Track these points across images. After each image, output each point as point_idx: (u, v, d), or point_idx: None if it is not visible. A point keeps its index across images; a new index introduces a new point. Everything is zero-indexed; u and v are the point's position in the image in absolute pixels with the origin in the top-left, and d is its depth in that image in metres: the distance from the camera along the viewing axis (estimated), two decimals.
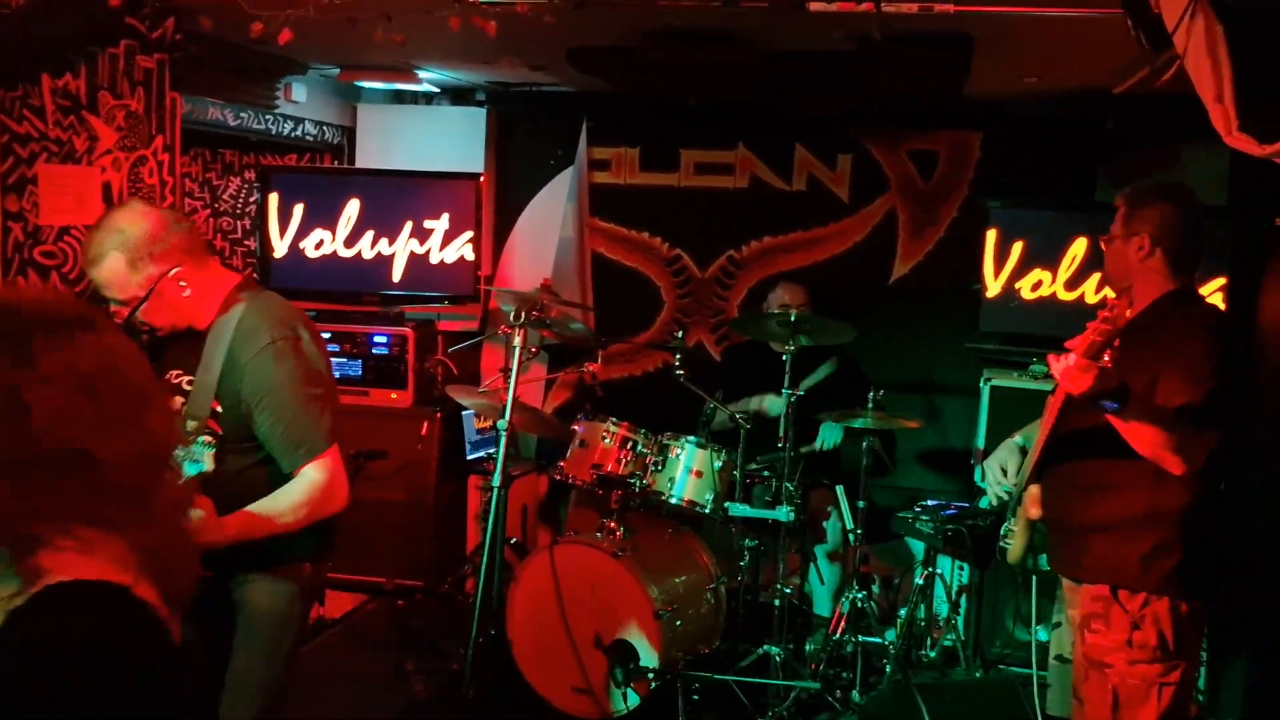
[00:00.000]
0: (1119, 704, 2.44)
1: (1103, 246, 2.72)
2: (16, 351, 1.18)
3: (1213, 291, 4.37)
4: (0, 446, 1.17)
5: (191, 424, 2.36)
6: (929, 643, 4.47)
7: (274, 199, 4.86)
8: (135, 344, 1.32)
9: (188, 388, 2.44)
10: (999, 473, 2.82)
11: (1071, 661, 2.71)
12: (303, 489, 2.40)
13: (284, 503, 2.39)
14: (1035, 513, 2.70)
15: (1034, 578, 4.31)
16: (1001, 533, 2.96)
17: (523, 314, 3.64)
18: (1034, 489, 2.72)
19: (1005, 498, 2.86)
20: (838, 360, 4.69)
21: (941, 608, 4.55)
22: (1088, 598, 2.52)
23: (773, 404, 4.54)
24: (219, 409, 2.37)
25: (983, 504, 4.55)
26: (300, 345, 2.45)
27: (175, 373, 2.49)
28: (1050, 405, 2.59)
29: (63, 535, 1.18)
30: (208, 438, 2.38)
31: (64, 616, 1.15)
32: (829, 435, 4.62)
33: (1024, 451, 2.80)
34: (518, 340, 3.61)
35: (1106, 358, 2.19)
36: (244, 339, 2.39)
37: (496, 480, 3.49)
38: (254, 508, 2.36)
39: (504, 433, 3.53)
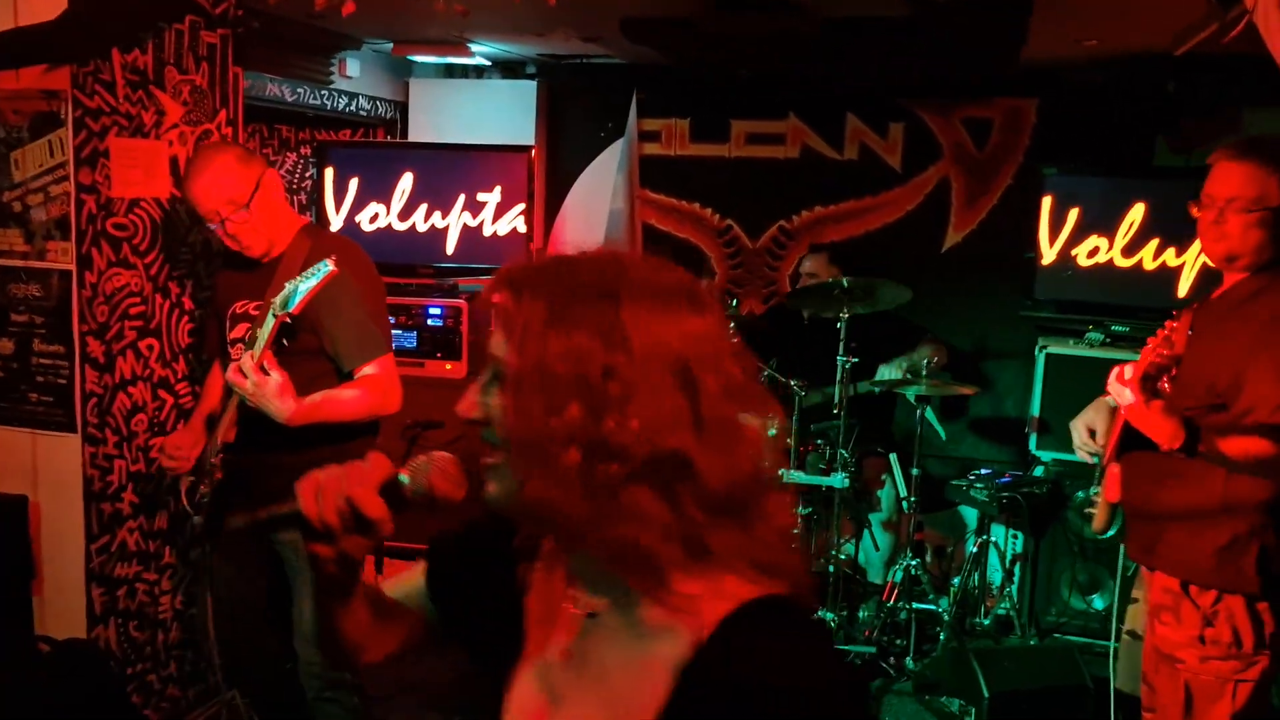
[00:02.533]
0: (1191, 699, 2.33)
1: (1194, 214, 2.45)
2: (612, 327, 1.01)
3: None
4: (592, 441, 1.01)
5: (261, 337, 2.62)
6: (983, 610, 4.47)
7: (330, 173, 4.93)
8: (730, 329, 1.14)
9: (255, 313, 2.73)
10: (1085, 434, 2.63)
11: (1141, 638, 2.63)
12: (364, 383, 2.76)
13: (347, 392, 2.75)
14: (1113, 496, 2.55)
15: (1089, 546, 4.32)
16: (1086, 498, 2.86)
17: None
18: (1113, 468, 2.57)
19: (1092, 460, 2.69)
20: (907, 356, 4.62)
21: (995, 576, 4.55)
22: (1158, 588, 2.42)
23: (886, 370, 4.51)
24: (287, 321, 2.60)
25: (1037, 472, 4.54)
26: (369, 271, 2.86)
27: (241, 302, 2.83)
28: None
29: (683, 560, 1.04)
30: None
31: (788, 627, 1.03)
32: (886, 371, 4.57)
33: (1114, 412, 2.61)
34: None
35: (1165, 384, 2.10)
36: (317, 257, 2.63)
37: None
38: (321, 393, 2.70)
39: None
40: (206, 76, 3.41)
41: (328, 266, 2.54)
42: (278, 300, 2.59)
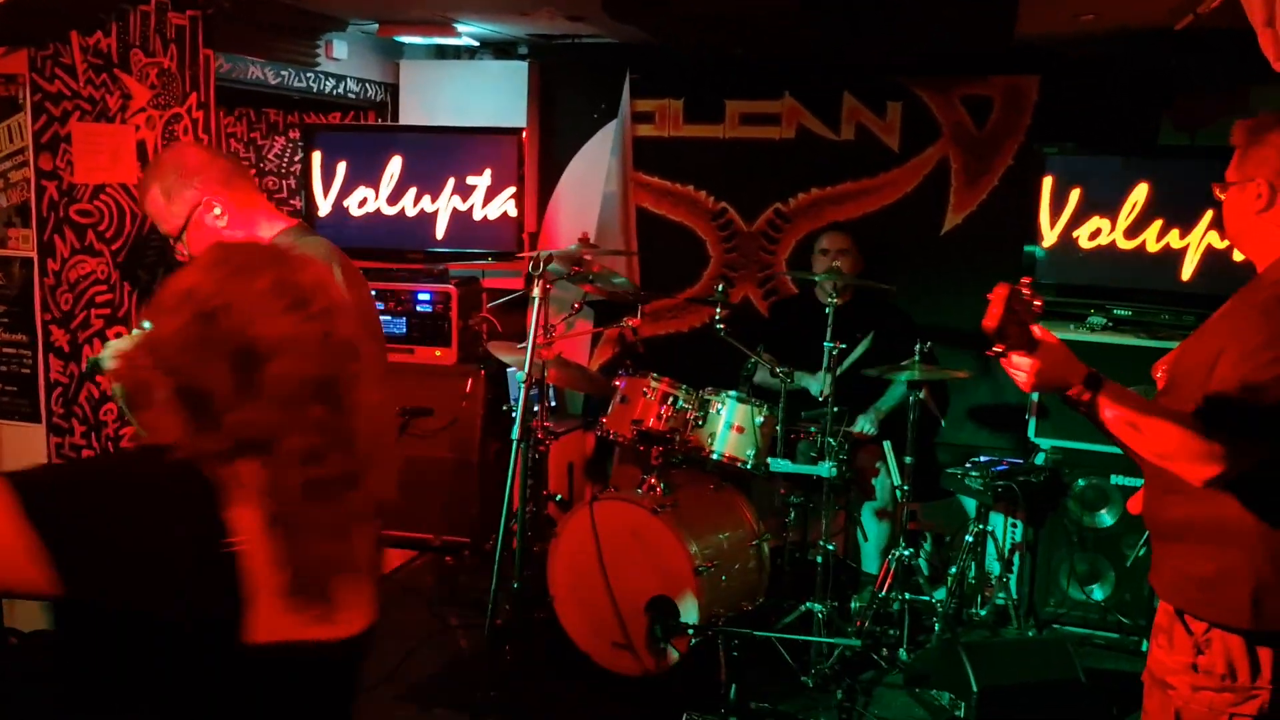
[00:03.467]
0: None
1: (1217, 195, 2.24)
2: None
3: None
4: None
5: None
6: (980, 601, 4.38)
7: (317, 157, 4.87)
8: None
9: None
10: None
11: None
12: None
13: None
14: (1135, 508, 2.31)
15: (1089, 536, 4.22)
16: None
17: (540, 264, 3.59)
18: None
19: None
20: (874, 335, 4.55)
21: (993, 566, 4.45)
22: (1161, 608, 2.20)
23: (811, 384, 4.44)
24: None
25: (1037, 460, 4.44)
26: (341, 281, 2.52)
27: None
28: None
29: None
30: None
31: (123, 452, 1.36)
32: (864, 423, 4.49)
33: None
34: (536, 291, 3.57)
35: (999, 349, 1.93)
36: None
37: (515, 433, 3.48)
38: None
39: (522, 386, 3.52)
40: (175, 59, 3.35)
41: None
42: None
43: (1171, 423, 1.95)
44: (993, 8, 3.45)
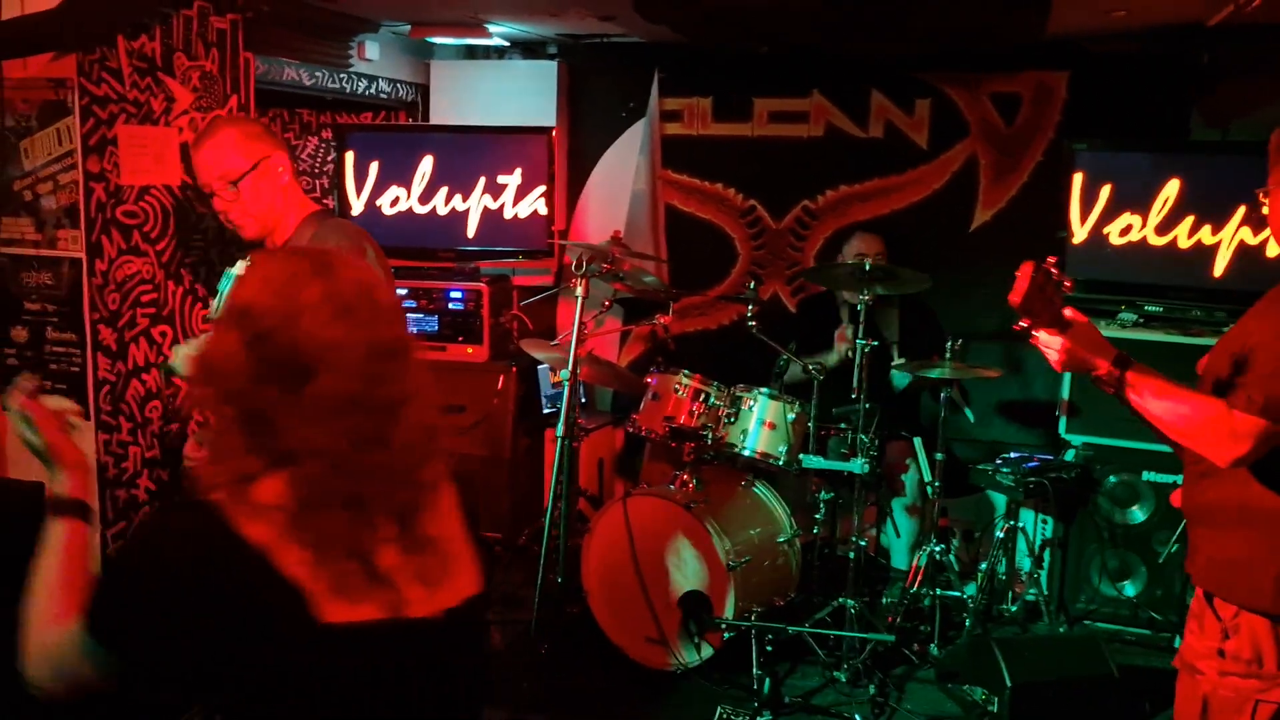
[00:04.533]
0: (1208, 713, 2.17)
1: (1261, 199, 2.16)
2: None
3: None
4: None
5: None
6: (1010, 597, 4.39)
7: (350, 157, 4.92)
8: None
9: None
10: None
11: None
12: None
13: None
14: (1177, 500, 2.33)
15: (1119, 532, 4.22)
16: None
17: (584, 263, 3.63)
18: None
19: None
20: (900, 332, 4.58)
21: (1024, 562, 4.46)
22: (1195, 596, 2.24)
23: (830, 357, 4.48)
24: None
25: (1067, 456, 4.44)
26: (364, 258, 2.66)
27: None
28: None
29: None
30: None
31: (159, 515, 1.45)
32: (897, 379, 4.53)
33: None
34: (579, 290, 3.61)
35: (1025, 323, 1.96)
36: (318, 244, 2.60)
37: (560, 430, 3.51)
38: None
39: (567, 383, 3.55)
40: (216, 62, 3.41)
41: (237, 269, 2.47)
42: (213, 305, 2.55)
43: (1198, 401, 2.01)
44: (1027, 2, 3.45)
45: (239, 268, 2.47)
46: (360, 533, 1.32)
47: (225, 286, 2.50)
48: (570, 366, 3.58)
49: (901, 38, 4.26)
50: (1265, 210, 2.16)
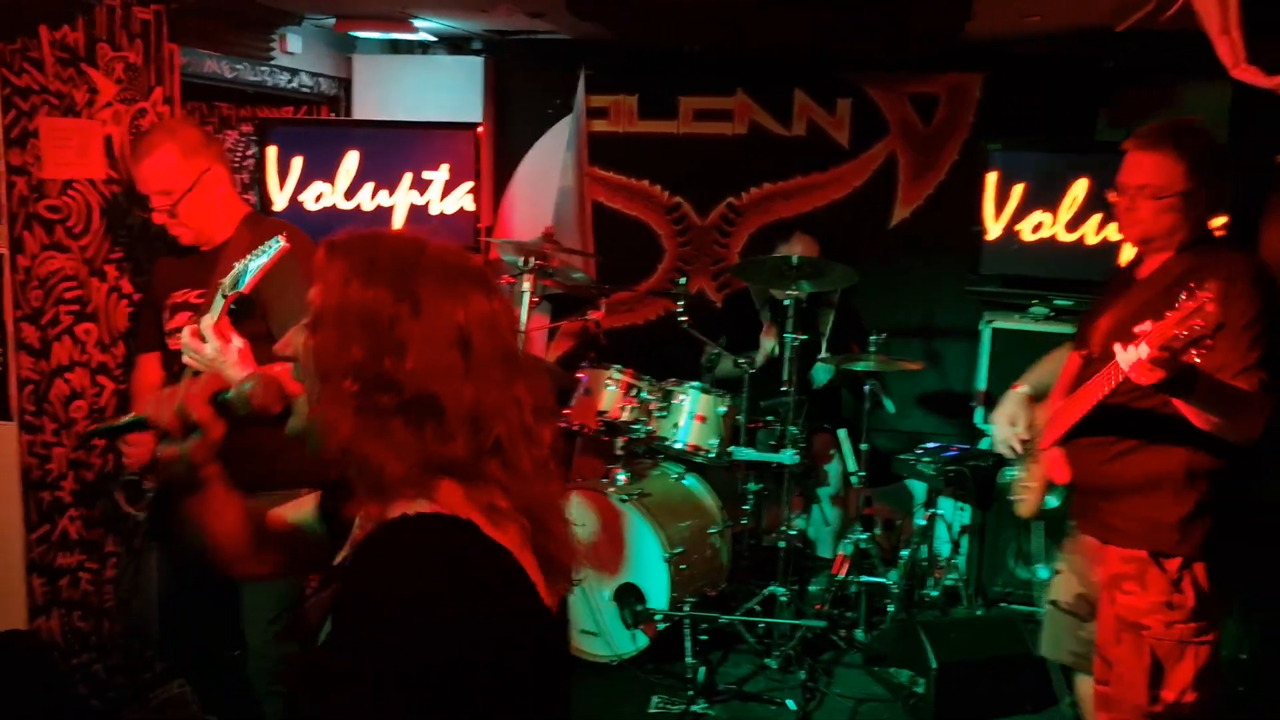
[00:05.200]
0: (1157, 664, 2.39)
1: (1110, 199, 2.56)
2: (402, 287, 1.22)
3: (1214, 230, 4.37)
4: (370, 375, 1.20)
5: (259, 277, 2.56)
6: (931, 582, 4.54)
7: (272, 152, 4.83)
8: (515, 311, 1.32)
9: (197, 301, 2.70)
10: (1007, 427, 2.72)
11: (1065, 610, 2.70)
12: None
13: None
14: (1063, 478, 2.58)
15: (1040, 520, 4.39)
16: (1007, 482, 2.91)
17: (530, 260, 3.65)
18: (1054, 453, 2.60)
19: (1017, 452, 2.74)
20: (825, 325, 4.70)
21: (943, 548, 4.61)
22: (1117, 559, 2.47)
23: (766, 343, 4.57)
24: (236, 301, 2.54)
25: (983, 445, 4.60)
26: (307, 257, 2.61)
27: (182, 291, 2.78)
28: (1086, 375, 2.49)
29: (406, 480, 1.22)
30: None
31: (420, 539, 1.18)
32: (820, 374, 4.63)
33: (1031, 400, 2.73)
34: (526, 287, 3.62)
35: (1195, 357, 2.01)
36: (259, 242, 2.59)
37: None
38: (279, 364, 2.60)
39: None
40: (141, 53, 3.33)
41: (279, 243, 2.48)
42: (227, 280, 2.53)
43: (1241, 395, 2.24)
44: (949, 7, 3.57)
45: (280, 241, 2.48)
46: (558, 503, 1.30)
47: (257, 262, 2.48)
48: None
49: (831, 40, 4.35)
50: (1112, 200, 2.52)
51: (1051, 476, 2.62)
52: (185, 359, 2.55)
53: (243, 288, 2.50)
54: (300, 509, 1.57)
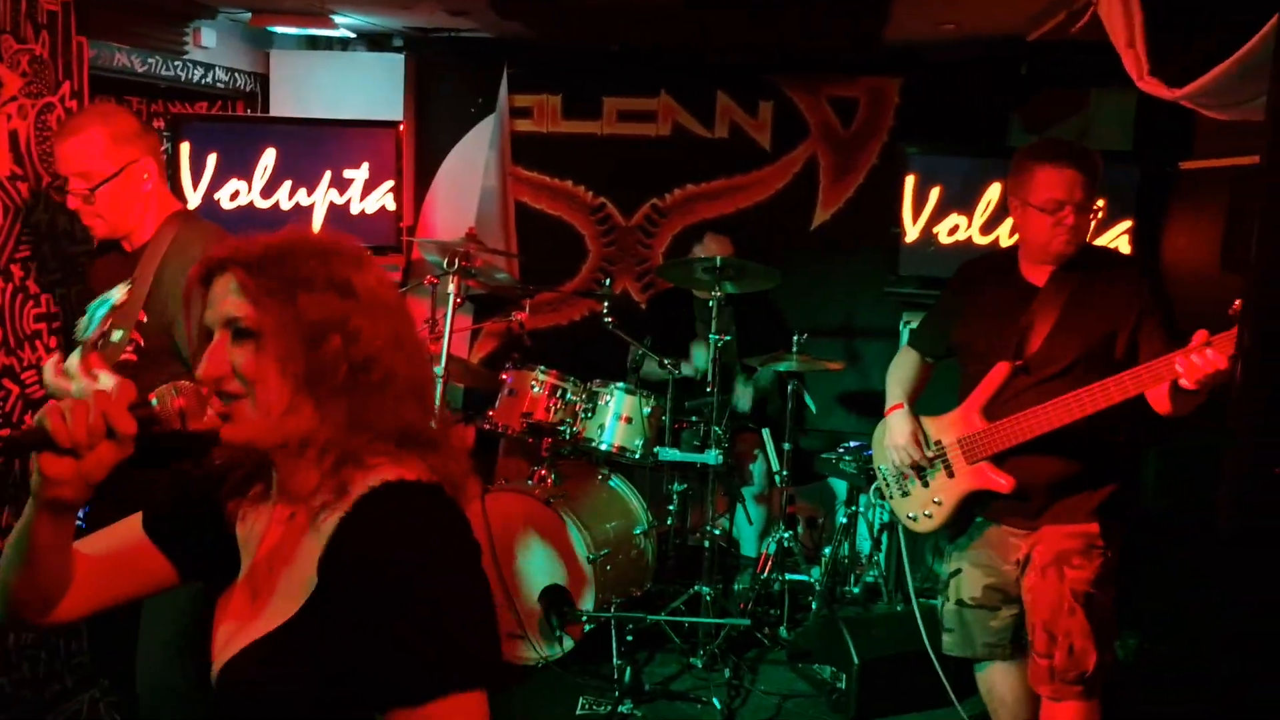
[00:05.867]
0: (1100, 625, 2.58)
1: (1014, 213, 2.74)
2: (338, 280, 1.32)
3: (1119, 234, 4.53)
4: (338, 370, 1.30)
5: (118, 334, 2.46)
6: (853, 579, 4.62)
7: (185, 148, 4.71)
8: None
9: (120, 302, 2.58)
10: (915, 447, 2.82)
11: (972, 606, 2.79)
12: None
13: None
14: (1006, 485, 2.65)
15: None
16: (895, 504, 2.98)
17: (455, 260, 3.62)
18: (982, 464, 2.68)
19: (922, 469, 2.83)
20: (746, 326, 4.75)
21: (864, 545, 4.69)
22: (1062, 536, 2.61)
23: (699, 355, 4.60)
24: (144, 319, 2.44)
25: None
26: None
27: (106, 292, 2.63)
28: (1018, 385, 2.64)
29: (373, 451, 1.31)
30: (129, 348, 2.48)
31: (409, 501, 1.27)
32: (741, 397, 4.66)
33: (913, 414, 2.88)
34: (451, 288, 3.59)
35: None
36: (178, 251, 2.54)
37: None
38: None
39: (440, 381, 3.53)
40: (47, 46, 3.21)
41: (115, 297, 2.39)
42: (80, 324, 2.43)
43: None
44: (867, 12, 3.63)
45: (118, 293, 2.37)
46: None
47: (100, 311, 2.39)
48: (443, 366, 3.56)
49: (752, 42, 4.39)
50: (1021, 218, 2.67)
51: (988, 487, 2.68)
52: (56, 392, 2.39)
53: (90, 335, 2.41)
54: (115, 535, 1.49)
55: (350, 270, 1.34)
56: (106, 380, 2.32)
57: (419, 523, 1.26)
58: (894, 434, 2.88)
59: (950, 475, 2.77)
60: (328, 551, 1.27)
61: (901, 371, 3.02)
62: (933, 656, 3.09)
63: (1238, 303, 2.11)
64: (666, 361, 4.16)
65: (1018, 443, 2.61)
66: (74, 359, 2.38)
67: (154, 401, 1.30)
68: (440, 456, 1.34)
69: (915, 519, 2.90)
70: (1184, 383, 2.31)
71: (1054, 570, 2.60)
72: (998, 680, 2.85)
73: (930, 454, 2.80)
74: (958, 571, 2.85)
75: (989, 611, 2.78)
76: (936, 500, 2.81)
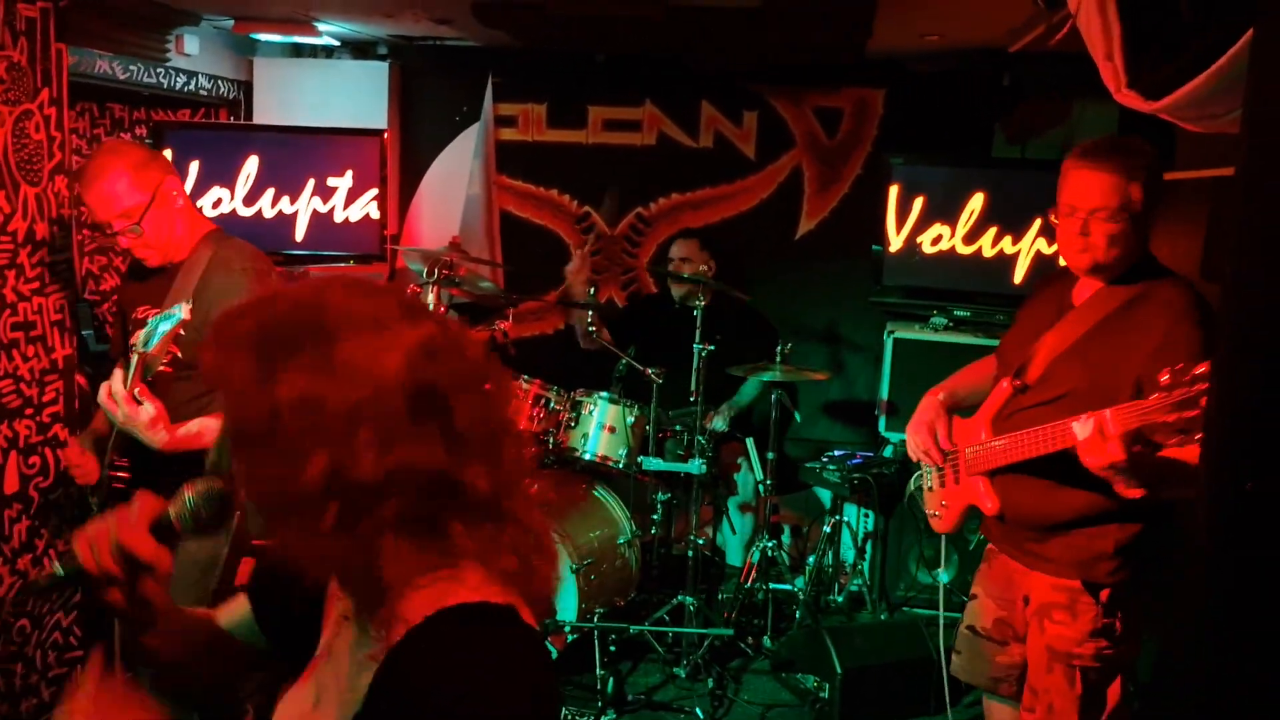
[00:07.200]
0: (1089, 691, 2.36)
1: (1052, 221, 2.40)
2: (323, 357, 1.00)
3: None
4: (341, 485, 0.99)
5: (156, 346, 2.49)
6: (837, 588, 4.61)
7: (167, 156, 4.69)
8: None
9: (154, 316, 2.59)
10: (929, 436, 2.60)
11: (982, 635, 2.63)
12: None
13: None
14: (992, 508, 2.49)
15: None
16: (917, 490, 2.89)
17: (435, 270, 3.61)
18: (981, 480, 2.51)
19: (937, 463, 2.65)
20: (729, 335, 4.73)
21: (848, 554, 4.69)
22: (1047, 587, 2.41)
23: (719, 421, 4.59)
24: (182, 333, 2.46)
25: (886, 453, 4.70)
26: (268, 280, 2.68)
27: (143, 308, 2.69)
28: (1016, 405, 2.43)
29: (422, 572, 1.05)
30: (165, 359, 2.51)
31: (460, 635, 1.02)
32: (718, 421, 4.64)
33: (946, 409, 2.63)
34: (431, 299, 3.58)
35: (1174, 445, 1.92)
36: (218, 267, 2.61)
37: None
38: (199, 420, 2.56)
39: None
40: (25, 52, 3.19)
41: (180, 314, 2.41)
42: (140, 337, 2.47)
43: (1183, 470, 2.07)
44: (851, 25, 3.64)
45: (183, 310, 2.38)
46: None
47: (163, 325, 2.39)
48: None
49: (737, 53, 4.40)
50: (1055, 227, 2.39)
51: (977, 504, 2.55)
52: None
53: (151, 348, 2.43)
54: (232, 613, 1.36)
55: (350, 340, 1.02)
56: (150, 409, 2.43)
57: (474, 661, 1.01)
58: (912, 420, 2.66)
59: (956, 482, 2.62)
60: (376, 679, 1.06)
61: (968, 366, 2.80)
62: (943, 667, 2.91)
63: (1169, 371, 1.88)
64: (651, 371, 4.15)
65: (995, 466, 2.43)
66: (119, 384, 2.46)
67: (171, 513, 1.21)
68: (518, 566, 1.09)
69: (934, 516, 2.75)
70: (1085, 461, 2.03)
71: (1037, 622, 2.43)
72: (994, 717, 2.70)
73: (946, 449, 2.60)
74: (975, 596, 2.69)
75: (998, 645, 2.60)
76: (943, 503, 2.68)
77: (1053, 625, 2.39)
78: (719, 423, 4.60)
